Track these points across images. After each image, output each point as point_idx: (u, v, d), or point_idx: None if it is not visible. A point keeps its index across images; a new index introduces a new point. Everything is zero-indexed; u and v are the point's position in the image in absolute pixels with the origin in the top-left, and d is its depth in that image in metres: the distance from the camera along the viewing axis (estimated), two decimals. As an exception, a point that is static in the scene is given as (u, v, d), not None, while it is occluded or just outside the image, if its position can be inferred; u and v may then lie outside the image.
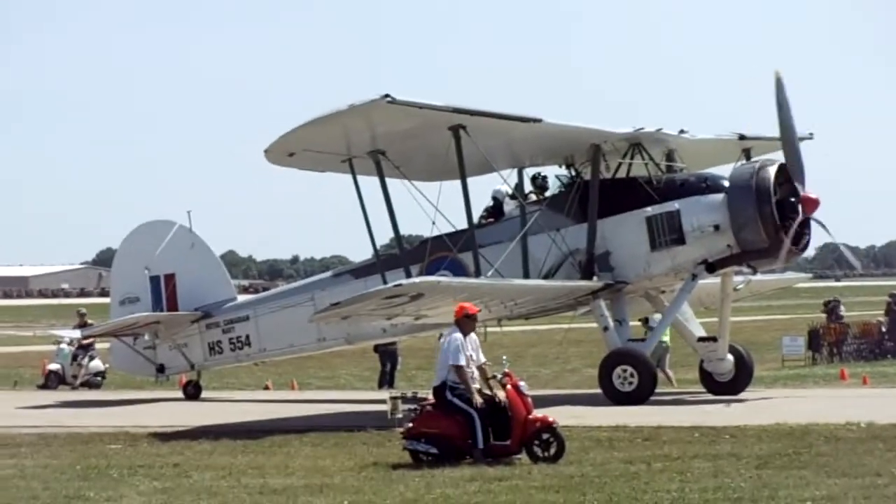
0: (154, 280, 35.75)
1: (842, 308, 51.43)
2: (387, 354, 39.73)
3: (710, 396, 30.99)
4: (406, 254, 31.47)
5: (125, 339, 35.96)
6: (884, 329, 48.70)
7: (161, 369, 35.80)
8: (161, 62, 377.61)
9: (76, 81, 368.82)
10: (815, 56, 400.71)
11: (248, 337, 34.44)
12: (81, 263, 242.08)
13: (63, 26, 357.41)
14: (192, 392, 35.72)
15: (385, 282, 29.79)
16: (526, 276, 30.52)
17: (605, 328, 30.30)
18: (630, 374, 29.11)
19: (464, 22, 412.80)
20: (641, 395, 28.98)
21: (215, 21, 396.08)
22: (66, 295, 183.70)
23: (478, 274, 29.79)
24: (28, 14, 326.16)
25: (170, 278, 35.70)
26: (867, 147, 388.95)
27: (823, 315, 50.77)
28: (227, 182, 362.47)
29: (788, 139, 29.17)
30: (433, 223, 30.57)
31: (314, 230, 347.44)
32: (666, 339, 36.60)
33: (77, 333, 40.81)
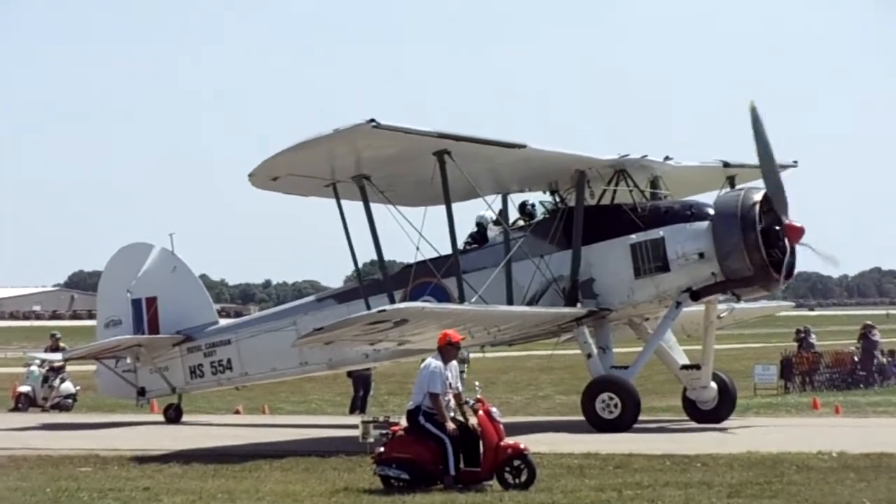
0: (136, 303, 35.60)
1: (813, 337, 51.41)
2: (360, 379, 39.53)
3: (693, 424, 30.94)
4: (390, 279, 31.30)
5: (107, 362, 35.75)
6: (856, 358, 48.70)
7: (142, 392, 35.55)
8: (137, 83, 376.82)
9: (50, 102, 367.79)
10: (794, 85, 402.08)
11: (229, 361, 34.21)
12: (53, 285, 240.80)
13: (41, 46, 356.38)
14: (173, 416, 35.42)
15: (369, 307, 29.52)
16: (510, 302, 30.45)
17: (589, 355, 30.16)
18: (613, 402, 29.05)
19: (450, 48, 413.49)
20: (624, 423, 28.89)
21: (196, 42, 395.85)
22: (38, 317, 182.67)
23: (461, 300, 29.70)
24: (13, 32, 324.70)
25: (151, 301, 35.52)
26: (840, 178, 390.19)
27: (795, 344, 50.68)
28: (199, 206, 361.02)
29: (769, 170, 29.14)
30: (417, 248, 30.52)
31: (286, 254, 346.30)
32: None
33: (53, 356, 40.51)
